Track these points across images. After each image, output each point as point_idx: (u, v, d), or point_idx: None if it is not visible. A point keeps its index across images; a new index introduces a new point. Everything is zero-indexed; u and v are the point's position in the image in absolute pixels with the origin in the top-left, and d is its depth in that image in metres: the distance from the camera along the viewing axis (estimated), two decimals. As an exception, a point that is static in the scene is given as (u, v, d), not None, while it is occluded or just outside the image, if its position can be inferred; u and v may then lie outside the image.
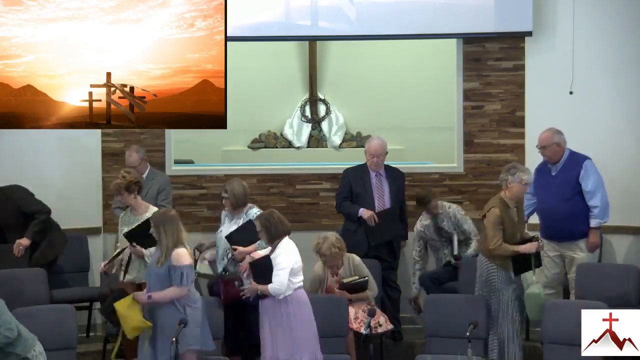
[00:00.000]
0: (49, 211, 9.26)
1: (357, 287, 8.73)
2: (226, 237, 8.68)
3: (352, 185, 9.60)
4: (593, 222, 9.18)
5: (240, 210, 8.82)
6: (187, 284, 7.58)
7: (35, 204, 9.25)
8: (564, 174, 9.21)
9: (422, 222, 9.80)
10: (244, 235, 8.57)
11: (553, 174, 9.28)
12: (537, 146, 9.31)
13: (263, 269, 7.94)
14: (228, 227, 8.82)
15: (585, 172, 9.19)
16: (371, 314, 8.02)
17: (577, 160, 9.20)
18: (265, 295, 7.92)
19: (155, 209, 8.45)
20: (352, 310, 8.67)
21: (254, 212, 8.67)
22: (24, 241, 9.14)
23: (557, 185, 9.17)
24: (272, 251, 7.99)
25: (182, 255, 7.58)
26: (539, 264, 8.63)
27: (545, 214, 9.23)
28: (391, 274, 9.63)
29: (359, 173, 9.64)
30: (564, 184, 9.17)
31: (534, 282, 8.57)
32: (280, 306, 7.91)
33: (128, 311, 7.61)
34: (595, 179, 9.21)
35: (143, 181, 8.85)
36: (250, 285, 8.04)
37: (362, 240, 9.36)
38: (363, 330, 7.79)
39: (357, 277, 8.74)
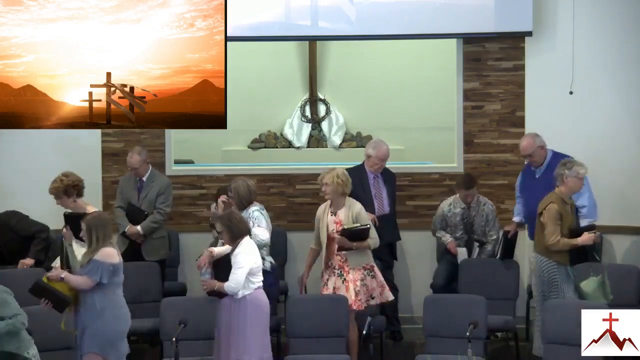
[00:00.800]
0: (48, 229, 9.19)
1: (358, 234, 8.62)
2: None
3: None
4: (583, 222, 9.11)
5: (246, 209, 8.77)
6: (100, 279, 7.35)
7: (33, 225, 9.17)
8: (548, 176, 8.99)
9: (453, 209, 9.67)
10: None
11: (537, 177, 9.27)
12: (521, 156, 9.23)
13: (223, 267, 7.96)
14: None
15: None
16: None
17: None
18: (224, 294, 7.94)
19: (95, 209, 8.26)
20: (351, 287, 8.59)
21: (252, 209, 8.62)
22: (28, 261, 9.07)
23: (540, 189, 8.95)
24: (232, 250, 8.00)
25: (107, 253, 7.43)
26: (594, 257, 8.56)
27: (532, 216, 9.16)
28: (389, 274, 9.63)
29: (357, 174, 9.59)
30: (547, 187, 8.84)
31: (592, 278, 8.41)
32: (239, 305, 7.91)
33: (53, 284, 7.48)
34: None
35: (82, 184, 8.51)
36: (208, 280, 8.07)
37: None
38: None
39: (358, 224, 8.65)
